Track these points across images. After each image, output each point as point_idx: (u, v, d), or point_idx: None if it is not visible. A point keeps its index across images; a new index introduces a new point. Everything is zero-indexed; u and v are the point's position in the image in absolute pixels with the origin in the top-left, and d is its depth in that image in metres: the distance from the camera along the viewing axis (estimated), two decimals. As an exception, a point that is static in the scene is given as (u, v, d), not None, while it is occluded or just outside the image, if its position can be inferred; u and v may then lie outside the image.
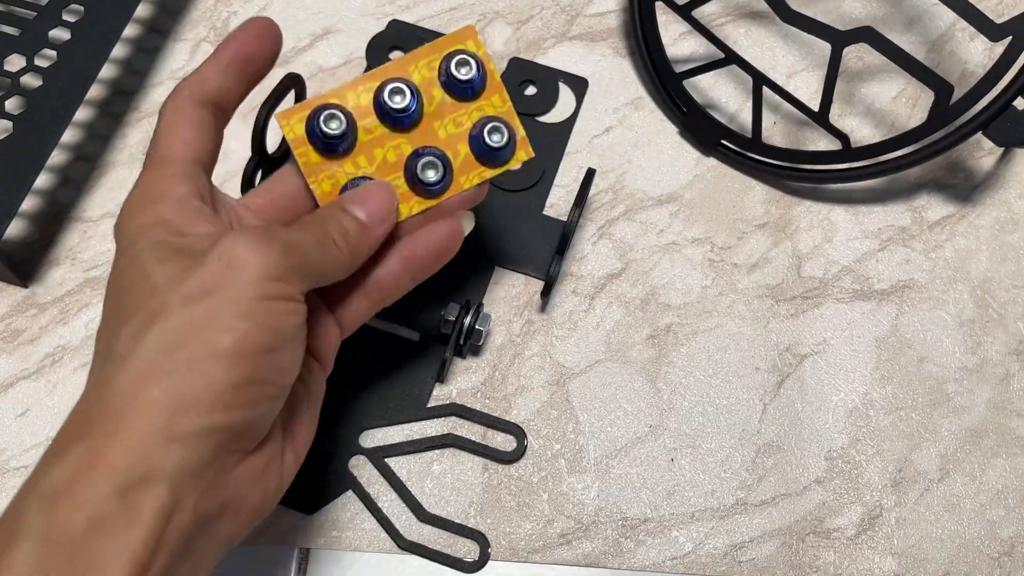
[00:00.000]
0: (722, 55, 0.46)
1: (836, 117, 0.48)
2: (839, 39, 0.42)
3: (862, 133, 0.48)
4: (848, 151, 0.44)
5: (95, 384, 0.26)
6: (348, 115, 0.33)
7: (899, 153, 0.43)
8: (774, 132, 0.48)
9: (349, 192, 0.32)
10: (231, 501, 0.27)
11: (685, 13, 0.46)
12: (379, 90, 0.33)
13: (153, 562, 0.24)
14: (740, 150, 0.47)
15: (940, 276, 0.45)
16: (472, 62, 0.34)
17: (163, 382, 0.25)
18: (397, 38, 0.49)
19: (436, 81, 0.34)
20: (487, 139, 0.34)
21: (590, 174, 0.41)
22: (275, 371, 0.27)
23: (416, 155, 0.33)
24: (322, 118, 0.32)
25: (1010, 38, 0.40)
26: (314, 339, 0.31)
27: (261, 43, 0.32)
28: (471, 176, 0.34)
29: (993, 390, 0.43)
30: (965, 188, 0.47)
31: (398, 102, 0.33)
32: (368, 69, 0.48)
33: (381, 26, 0.49)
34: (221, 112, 0.32)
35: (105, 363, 0.26)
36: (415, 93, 0.33)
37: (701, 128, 0.47)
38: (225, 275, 0.26)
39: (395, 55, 0.49)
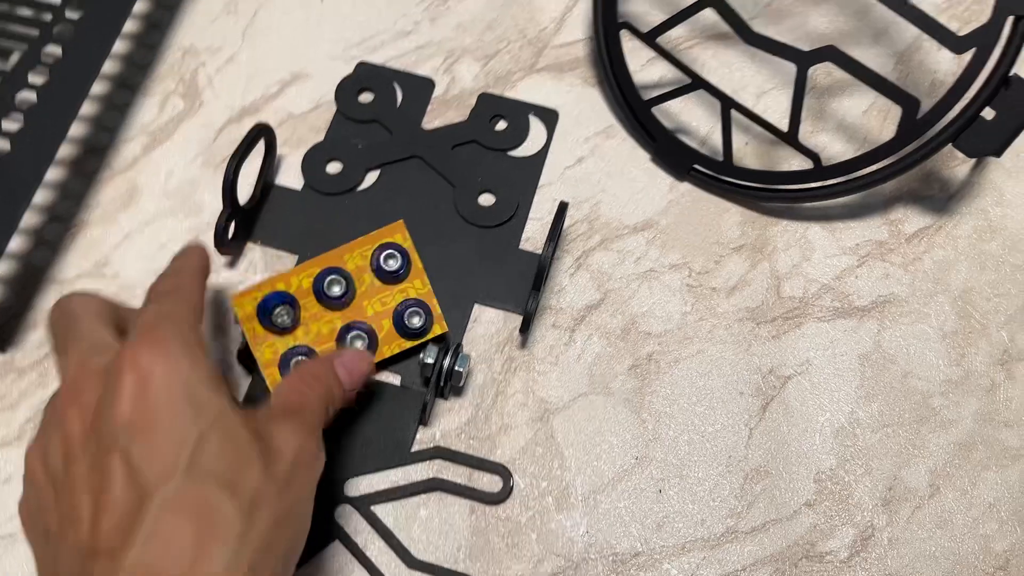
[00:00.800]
0: (689, 80, 0.46)
1: (808, 134, 0.48)
2: (803, 59, 0.42)
3: (835, 148, 0.48)
4: (820, 169, 0.44)
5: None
6: (293, 301, 0.39)
7: (871, 169, 0.43)
8: (746, 153, 0.48)
9: (343, 357, 0.36)
10: None
11: (650, 40, 0.46)
12: (319, 278, 0.40)
13: None
14: (713, 174, 0.46)
15: (920, 289, 0.45)
16: (398, 255, 0.41)
17: (268, 567, 0.27)
18: (365, 80, 0.49)
19: (368, 268, 0.41)
20: (407, 321, 0.41)
21: (562, 208, 0.41)
22: None
23: (347, 328, 0.40)
24: (274, 313, 0.39)
25: (974, 50, 0.40)
26: None
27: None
28: (392, 346, 0.41)
29: (980, 402, 0.42)
30: (941, 198, 0.47)
31: (335, 292, 0.40)
32: (338, 112, 0.48)
33: (349, 69, 0.49)
34: None
35: (215, 530, 0.26)
36: (349, 281, 0.40)
37: (673, 154, 0.47)
38: (297, 471, 0.30)
39: (364, 97, 0.49)
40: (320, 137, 0.48)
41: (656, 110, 0.47)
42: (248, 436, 0.28)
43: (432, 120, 0.48)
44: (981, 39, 0.40)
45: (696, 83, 0.46)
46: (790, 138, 0.44)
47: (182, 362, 0.28)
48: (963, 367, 0.43)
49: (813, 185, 0.44)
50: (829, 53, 0.42)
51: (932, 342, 0.44)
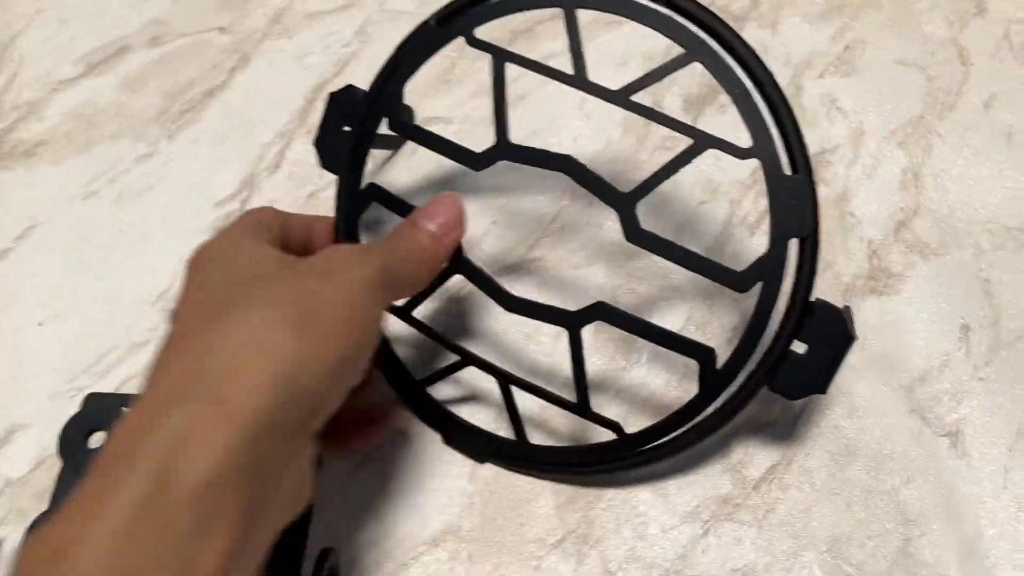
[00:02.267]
0: (458, 357, 0.39)
1: (618, 371, 0.41)
2: (573, 322, 0.36)
3: (655, 384, 0.41)
4: (623, 440, 0.36)
5: (211, 335, 0.26)
6: None
7: (680, 431, 0.36)
8: (551, 415, 0.40)
9: (419, 209, 0.34)
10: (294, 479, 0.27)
11: (405, 315, 0.39)
12: None
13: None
14: (512, 455, 0.39)
15: (780, 549, 0.37)
16: None
17: (291, 337, 0.26)
18: (96, 418, 0.41)
19: None
20: None
21: (323, 554, 0.33)
22: (359, 365, 0.29)
23: None
24: None
25: (760, 285, 0.34)
26: None
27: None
28: None
29: None
30: (784, 424, 0.40)
31: None
32: (65, 466, 0.40)
33: (77, 405, 0.42)
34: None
35: (216, 317, 0.27)
36: None
37: (463, 437, 0.39)
38: (330, 269, 0.29)
39: (95, 440, 0.41)
40: (46, 503, 0.39)
41: (436, 387, 0.40)
42: (265, 247, 0.31)
43: (180, 450, 0.41)
44: (765, 271, 0.34)
45: (465, 359, 0.38)
46: (581, 410, 0.37)
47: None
48: (848, 648, 0.35)
49: (621, 459, 0.37)
50: (600, 311, 0.35)
51: (806, 619, 0.36)
